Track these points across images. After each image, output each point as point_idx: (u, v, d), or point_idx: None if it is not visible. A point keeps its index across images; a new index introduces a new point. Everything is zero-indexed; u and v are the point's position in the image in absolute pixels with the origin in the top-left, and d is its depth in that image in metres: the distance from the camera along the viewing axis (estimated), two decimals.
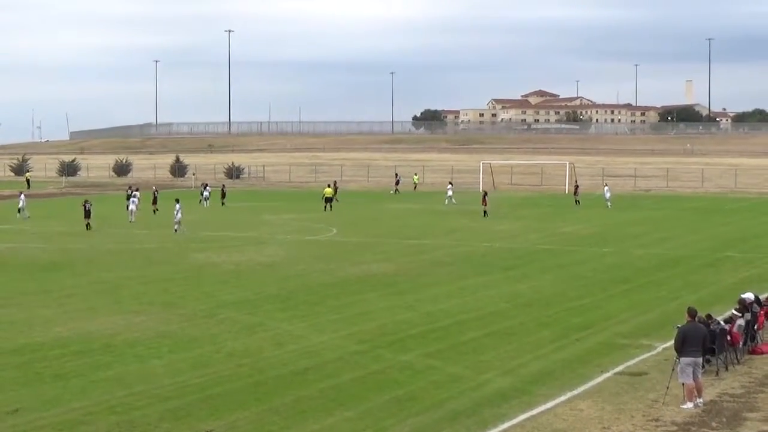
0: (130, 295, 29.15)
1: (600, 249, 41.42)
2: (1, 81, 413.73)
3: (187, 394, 17.88)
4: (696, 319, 17.79)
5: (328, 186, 67.16)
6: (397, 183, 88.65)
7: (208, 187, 71.59)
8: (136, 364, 20.19)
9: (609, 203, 67.15)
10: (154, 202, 61.55)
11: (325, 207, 63.38)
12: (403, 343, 22.19)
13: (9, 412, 16.74)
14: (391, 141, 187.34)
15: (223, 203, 69.56)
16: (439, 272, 34.00)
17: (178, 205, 48.61)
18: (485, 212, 58.27)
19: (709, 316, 19.84)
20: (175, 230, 47.55)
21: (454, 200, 70.39)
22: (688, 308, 17.73)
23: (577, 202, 68.87)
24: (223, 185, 75.26)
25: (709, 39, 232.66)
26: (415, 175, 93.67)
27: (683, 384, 17.16)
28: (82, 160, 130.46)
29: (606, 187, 69.76)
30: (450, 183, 75.08)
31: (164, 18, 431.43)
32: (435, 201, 74.17)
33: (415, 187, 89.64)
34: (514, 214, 62.00)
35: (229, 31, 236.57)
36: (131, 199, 56.41)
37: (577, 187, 72.05)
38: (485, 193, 60.79)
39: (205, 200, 69.35)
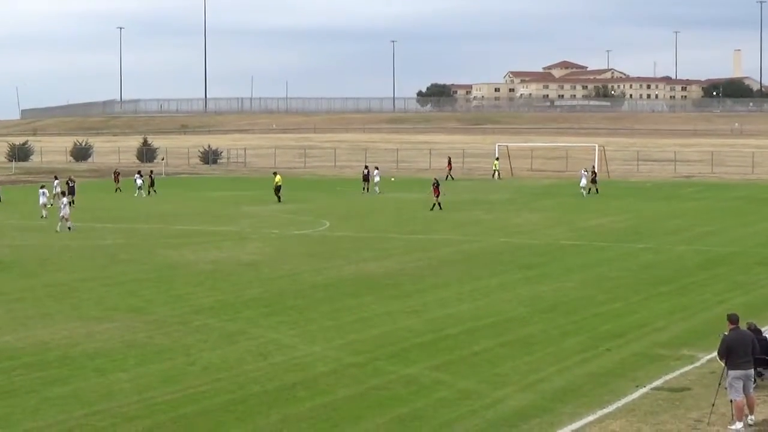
0: (91, 299, 29.14)
1: (634, 245, 41.42)
2: None
3: (156, 413, 17.87)
4: (747, 326, 17.76)
5: (275, 174, 66.44)
6: (450, 167, 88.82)
7: (142, 174, 72.02)
8: (97, 378, 20.19)
9: (584, 191, 67.46)
10: (71, 193, 61.51)
11: (279, 199, 62.94)
12: (406, 354, 22.19)
13: None
14: (392, 120, 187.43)
15: (150, 191, 70.34)
16: (448, 272, 34.00)
17: (64, 199, 47.99)
18: (438, 205, 56.39)
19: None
20: (69, 228, 46.11)
21: (377, 189, 71.20)
22: (728, 315, 17.66)
23: (596, 190, 68.89)
24: (152, 171, 75.68)
25: (761, 1, 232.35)
26: (497, 159, 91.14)
27: (732, 401, 17.14)
28: (35, 143, 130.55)
29: (583, 172, 69.68)
30: (376, 168, 74.96)
31: None
32: (444, 190, 74.13)
33: (494, 174, 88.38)
34: (534, 204, 62.01)
35: None
36: (42, 190, 54.74)
37: (594, 173, 71.80)
38: (436, 182, 57.61)
39: (138, 189, 70.05)
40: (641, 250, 40.07)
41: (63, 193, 50.04)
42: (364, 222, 51.60)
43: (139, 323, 25.45)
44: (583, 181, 68.42)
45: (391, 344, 23.13)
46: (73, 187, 62.37)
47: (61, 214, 46.77)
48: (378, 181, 72.44)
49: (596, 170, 73.93)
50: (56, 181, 62.15)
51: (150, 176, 72.24)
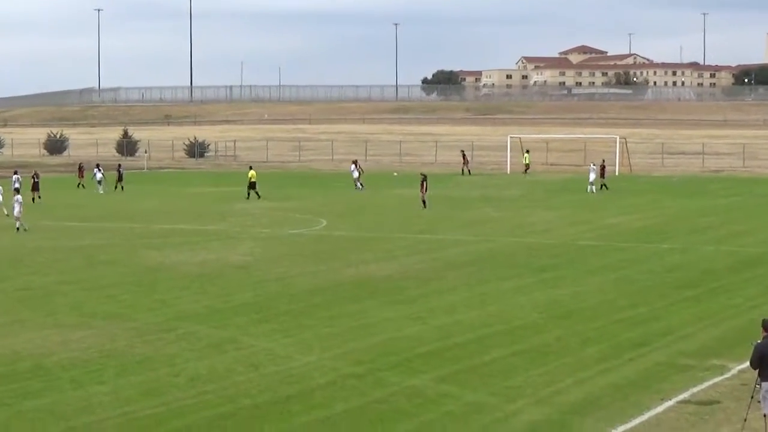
0: (67, 304, 29.16)
1: (658, 245, 41.44)
2: None
3: (137, 428, 17.88)
4: None
5: (251, 168, 66.65)
6: (466, 162, 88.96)
7: (101, 169, 72.17)
8: (73, 390, 20.20)
9: (591, 188, 67.54)
10: (35, 188, 61.59)
11: (249, 194, 63.37)
12: (410, 365, 22.19)
13: None
14: (395, 110, 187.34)
15: (117, 187, 70.65)
16: (456, 275, 34.01)
17: (18, 197, 47.65)
18: (422, 202, 56.60)
19: None
20: (17, 228, 46.00)
21: (360, 184, 71.54)
22: (763, 321, 17.66)
23: (603, 186, 68.81)
24: (120, 165, 75.83)
25: None
26: (527, 152, 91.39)
27: (766, 415, 17.13)
28: (6, 135, 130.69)
29: (592, 166, 69.72)
30: (354, 162, 74.96)
31: None
32: (450, 186, 74.27)
33: (526, 169, 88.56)
34: (549, 201, 62.03)
35: None
36: None
37: (603, 168, 71.64)
38: (424, 177, 57.37)
39: (98, 184, 70.24)
40: (666, 250, 40.07)
41: (17, 191, 49.69)
42: (364, 220, 51.63)
43: (119, 331, 25.45)
44: (592, 176, 68.39)
45: (394, 353, 23.13)
46: (38, 182, 62.40)
47: (15, 214, 46.62)
48: (357, 177, 72.36)
49: (605, 164, 73.69)
50: (15, 176, 62.00)
51: (118, 171, 72.40)
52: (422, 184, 56.64)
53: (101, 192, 69.07)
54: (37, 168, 76.34)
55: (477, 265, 36.22)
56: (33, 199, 60.10)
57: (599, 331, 25.55)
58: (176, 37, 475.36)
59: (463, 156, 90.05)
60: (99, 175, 70.76)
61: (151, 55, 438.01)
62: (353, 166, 73.92)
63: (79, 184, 74.00)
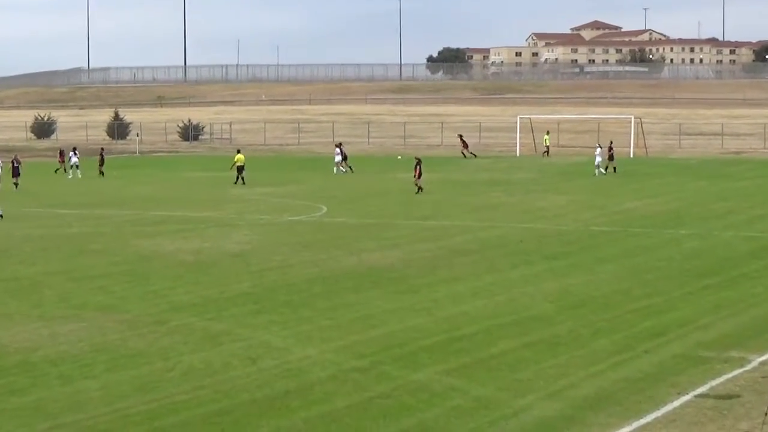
0: (55, 295, 29.18)
1: (675, 231, 41.43)
2: None
3: (129, 425, 17.89)
4: None
5: (239, 152, 66.64)
6: (465, 145, 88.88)
7: (77, 153, 72.37)
8: (62, 386, 20.21)
9: (598, 171, 67.75)
10: (15, 174, 61.69)
11: (237, 179, 63.54)
12: (414, 358, 22.20)
13: None
14: (399, 89, 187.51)
15: (101, 172, 70.91)
16: (462, 263, 34.02)
17: None
18: (419, 188, 56.67)
19: None
20: (0, 215, 46.27)
21: (342, 168, 71.70)
22: None
23: (613, 169, 68.88)
24: (102, 149, 76.28)
25: None
26: (547, 134, 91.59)
27: None
28: None
29: (598, 149, 69.78)
30: (337, 146, 74.87)
31: None
32: (456, 169, 74.21)
33: (546, 152, 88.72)
34: (561, 185, 62.00)
35: None
36: None
37: (611, 149, 71.56)
38: (418, 162, 57.41)
39: (75, 167, 70.58)
40: (684, 236, 40.06)
41: None
42: (366, 206, 51.63)
43: (109, 323, 25.46)
44: (598, 159, 68.52)
45: (398, 346, 23.14)
46: (18, 168, 62.49)
47: None
48: (338, 161, 72.21)
49: (613, 146, 73.60)
50: None
51: (101, 155, 72.60)
52: (416, 169, 56.70)
53: (72, 176, 69.20)
54: (22, 152, 76.49)
55: (485, 253, 36.22)
56: (15, 184, 60.23)
57: (613, 322, 25.53)
58: (169, 14, 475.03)
59: (461, 139, 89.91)
60: (74, 159, 71.00)
61: (143, 34, 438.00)
62: (337, 149, 73.75)
63: (64, 168, 74.16)
